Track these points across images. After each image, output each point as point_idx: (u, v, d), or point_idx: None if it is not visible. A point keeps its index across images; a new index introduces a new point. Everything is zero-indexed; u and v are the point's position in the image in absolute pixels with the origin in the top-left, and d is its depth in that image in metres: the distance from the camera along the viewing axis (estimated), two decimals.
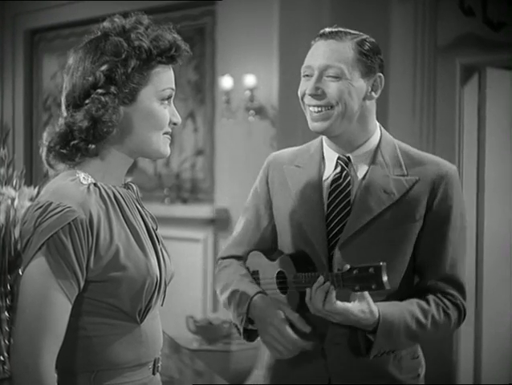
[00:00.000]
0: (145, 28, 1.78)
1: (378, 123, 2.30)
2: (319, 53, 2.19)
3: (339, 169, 2.24)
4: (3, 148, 2.48)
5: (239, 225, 2.46)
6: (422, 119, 5.48)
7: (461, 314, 2.25)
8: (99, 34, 1.79)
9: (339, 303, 2.08)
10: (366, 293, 2.09)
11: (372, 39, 2.23)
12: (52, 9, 7.82)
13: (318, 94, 2.17)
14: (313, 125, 2.21)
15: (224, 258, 2.47)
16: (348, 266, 2.04)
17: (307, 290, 2.12)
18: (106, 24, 1.80)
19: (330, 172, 2.27)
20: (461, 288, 2.24)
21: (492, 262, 5.55)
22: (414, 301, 2.21)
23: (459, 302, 2.23)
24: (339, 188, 2.23)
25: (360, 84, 2.18)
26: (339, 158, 2.25)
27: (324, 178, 2.27)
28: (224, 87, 6.22)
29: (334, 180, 2.24)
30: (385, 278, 1.97)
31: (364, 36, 2.22)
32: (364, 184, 2.21)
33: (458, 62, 5.46)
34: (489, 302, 5.54)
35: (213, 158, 6.66)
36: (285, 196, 2.32)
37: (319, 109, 2.18)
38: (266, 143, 6.12)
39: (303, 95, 2.22)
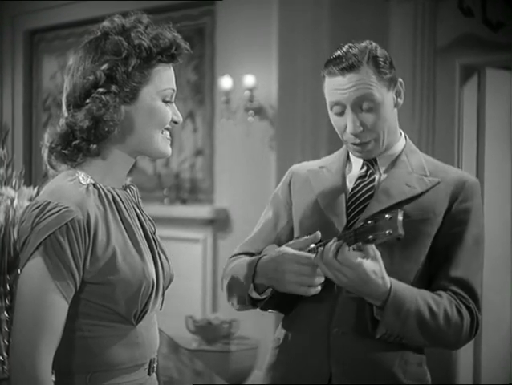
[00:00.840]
0: (145, 27, 1.78)
1: (403, 133, 2.35)
2: (345, 88, 2.17)
3: (364, 168, 2.27)
4: (2, 148, 2.47)
5: (257, 226, 2.45)
6: (422, 120, 5.49)
7: (474, 320, 2.18)
8: (99, 33, 1.79)
9: (353, 253, 2.03)
10: (378, 255, 2.05)
11: (374, 44, 2.22)
12: (51, 9, 7.82)
13: (360, 131, 2.18)
14: (356, 155, 2.27)
15: (233, 256, 2.44)
16: (362, 222, 2.03)
17: (319, 249, 2.07)
18: (106, 24, 1.79)
19: (356, 172, 2.30)
20: (474, 294, 2.19)
21: (491, 264, 5.54)
22: (426, 291, 2.17)
23: (472, 306, 2.18)
24: (363, 183, 2.26)
25: (389, 98, 2.23)
26: (365, 159, 2.28)
27: (348, 177, 2.30)
28: (223, 87, 6.23)
29: (358, 178, 2.27)
30: (400, 218, 1.92)
31: (372, 49, 2.20)
32: (388, 178, 2.24)
33: (458, 63, 5.46)
34: (488, 305, 5.54)
35: (213, 158, 6.66)
36: (306, 193, 2.34)
37: (362, 145, 2.21)
38: (265, 144, 6.13)
39: (343, 131, 2.22)
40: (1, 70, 8.37)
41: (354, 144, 2.22)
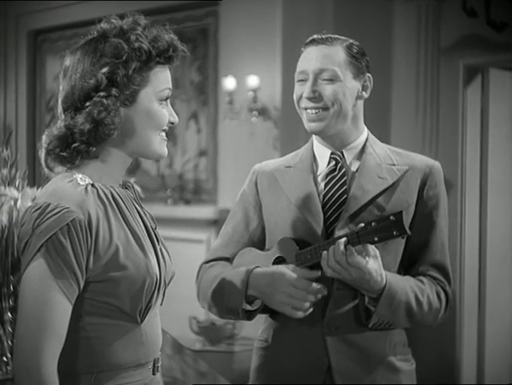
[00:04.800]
0: (143, 29, 1.78)
1: (365, 128, 2.40)
2: (312, 57, 2.29)
3: (333, 163, 2.33)
4: (6, 149, 2.48)
5: (227, 228, 2.47)
6: (425, 120, 5.48)
7: (448, 301, 2.32)
8: (97, 34, 1.79)
9: (360, 257, 2.10)
10: (378, 253, 2.14)
11: (358, 43, 2.34)
12: (56, 10, 7.83)
13: (315, 96, 2.27)
14: (310, 126, 2.31)
15: (208, 262, 2.45)
16: (362, 224, 2.08)
17: (324, 253, 2.12)
18: (103, 25, 1.79)
19: (323, 167, 2.35)
20: (447, 275, 2.33)
21: (495, 262, 5.54)
22: (411, 278, 2.28)
23: (447, 289, 2.32)
24: (335, 179, 2.31)
25: (353, 85, 2.30)
26: (332, 153, 2.34)
27: (318, 173, 2.35)
28: (227, 87, 6.23)
29: (329, 173, 2.32)
30: (404, 219, 2.01)
31: (351, 40, 2.32)
32: (359, 172, 2.30)
33: (461, 64, 5.45)
34: (492, 302, 5.53)
35: (216, 159, 6.66)
36: (276, 194, 2.38)
37: (316, 111, 2.28)
38: (268, 144, 6.12)
39: (299, 99, 2.33)
40: (4, 71, 8.38)
41: (307, 109, 2.30)
